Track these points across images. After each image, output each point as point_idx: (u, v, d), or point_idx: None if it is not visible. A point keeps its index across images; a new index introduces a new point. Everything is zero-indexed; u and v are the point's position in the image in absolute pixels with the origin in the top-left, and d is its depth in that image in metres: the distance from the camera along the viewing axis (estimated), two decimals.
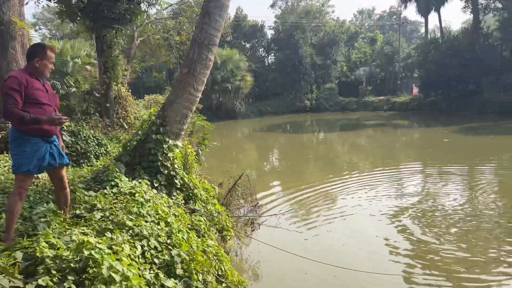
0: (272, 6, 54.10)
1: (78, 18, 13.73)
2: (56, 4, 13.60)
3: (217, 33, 6.90)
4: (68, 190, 4.44)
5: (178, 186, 6.45)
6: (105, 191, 5.20)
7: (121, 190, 5.31)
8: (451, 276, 6.10)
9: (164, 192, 6.19)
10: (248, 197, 9.53)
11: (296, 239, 7.92)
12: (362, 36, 57.35)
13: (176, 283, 3.78)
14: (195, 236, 5.00)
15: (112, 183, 5.47)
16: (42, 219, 3.99)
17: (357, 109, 44.68)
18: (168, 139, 6.53)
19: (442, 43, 39.16)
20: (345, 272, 6.20)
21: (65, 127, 9.07)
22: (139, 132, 6.77)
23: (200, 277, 4.12)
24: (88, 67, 17.77)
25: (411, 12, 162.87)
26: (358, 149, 22.06)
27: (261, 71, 46.93)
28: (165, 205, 5.50)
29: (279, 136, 28.57)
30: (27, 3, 13.22)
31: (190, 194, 6.61)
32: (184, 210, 6.02)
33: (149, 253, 4.00)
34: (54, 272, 3.06)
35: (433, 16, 47.23)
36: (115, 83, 14.55)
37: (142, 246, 4.01)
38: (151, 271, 3.74)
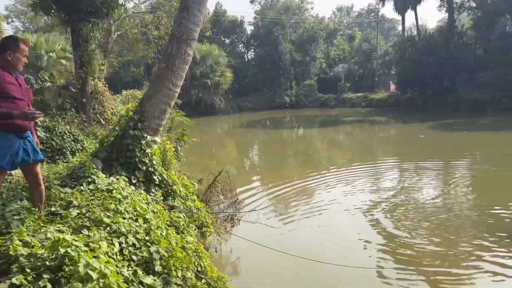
0: (252, 1, 54.05)
1: (53, 11, 13.37)
2: None
3: (196, 28, 6.84)
4: (43, 187, 4.34)
5: (157, 183, 6.38)
6: (82, 187, 5.11)
7: (98, 186, 5.22)
8: (423, 270, 6.25)
9: (142, 188, 6.11)
10: (228, 193, 9.52)
11: (275, 234, 7.98)
12: (340, 33, 57.92)
13: (155, 280, 3.75)
14: (174, 232, 4.97)
15: (89, 179, 5.37)
16: (15, 217, 3.89)
17: (335, 105, 45.16)
18: (146, 134, 6.45)
19: (419, 41, 39.94)
20: (322, 266, 6.29)
21: (39, 123, 8.85)
22: (117, 128, 6.66)
23: (179, 274, 4.09)
24: (64, 61, 17.32)
25: (388, 10, 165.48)
26: (337, 145, 22.33)
27: (240, 67, 46.83)
28: (144, 201, 5.44)
29: (259, 132, 28.62)
30: None
31: (169, 191, 6.55)
32: (163, 206, 5.96)
33: (127, 250, 3.95)
34: (28, 270, 2.99)
35: (410, 14, 48.19)
36: (91, 78, 14.25)
37: (120, 243, 3.96)
38: (129, 268, 3.70)
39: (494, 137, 20.98)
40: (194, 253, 4.74)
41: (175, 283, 3.95)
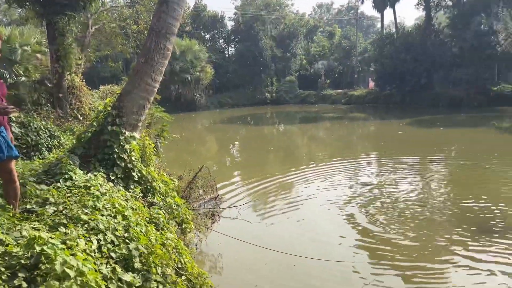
0: None
1: (27, 3, 13.00)
2: None
3: (176, 22, 6.77)
4: (17, 184, 4.23)
5: (136, 179, 6.31)
6: (58, 184, 5.00)
7: (76, 183, 5.12)
8: (398, 265, 6.36)
9: (121, 185, 6.03)
10: (208, 189, 9.47)
11: (255, 229, 8.01)
12: (321, 30, 58.28)
13: (134, 277, 3.71)
14: (153, 229, 4.92)
15: (66, 176, 5.26)
16: None
17: (316, 102, 45.49)
18: (124, 130, 6.36)
19: (397, 39, 40.59)
20: (301, 260, 6.35)
21: (14, 118, 8.61)
22: (94, 124, 6.54)
23: (159, 270, 4.07)
24: (39, 55, 16.88)
25: (368, 7, 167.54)
26: (317, 141, 22.53)
27: (221, 62, 46.58)
28: (122, 198, 5.37)
29: (239, 128, 28.60)
30: None
31: (148, 187, 6.48)
32: (142, 203, 5.90)
33: (105, 247, 3.89)
34: (3, 269, 2.92)
35: (388, 12, 48.88)
36: (68, 73, 13.95)
37: (98, 241, 3.90)
38: (108, 266, 3.65)
39: (469, 133, 21.56)
40: (174, 250, 4.71)
41: (155, 280, 3.92)
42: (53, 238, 3.35)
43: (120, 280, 3.57)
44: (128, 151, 6.27)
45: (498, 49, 33.28)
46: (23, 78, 15.08)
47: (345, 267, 6.28)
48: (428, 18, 39.61)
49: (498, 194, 9.86)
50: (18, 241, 3.30)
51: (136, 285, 3.68)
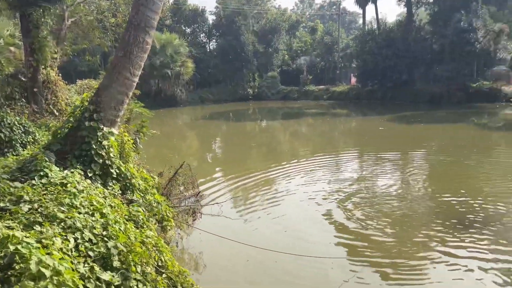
0: None
1: None
2: None
3: (155, 16, 6.69)
4: None
5: (114, 176, 6.23)
6: (33, 182, 4.91)
7: (51, 180, 5.03)
8: (377, 262, 6.46)
9: (99, 182, 5.95)
10: (189, 186, 9.44)
11: (237, 226, 8.03)
12: (303, 25, 58.48)
13: (113, 276, 3.68)
14: (133, 227, 4.88)
15: (41, 173, 5.16)
16: None
17: (298, 98, 45.67)
18: (102, 126, 6.26)
19: (379, 35, 41.06)
20: (283, 256, 6.40)
21: None
22: (71, 119, 6.42)
23: (139, 269, 4.04)
24: (12, 48, 16.44)
25: (350, 3, 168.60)
26: (299, 137, 22.66)
27: (202, 57, 46.24)
28: (100, 195, 5.30)
29: (221, 124, 28.51)
30: None
31: (127, 184, 6.42)
32: (121, 200, 5.84)
33: (83, 245, 3.84)
34: None
35: (370, 8, 49.31)
36: (43, 66, 13.61)
37: (76, 239, 3.85)
38: (86, 265, 3.61)
39: (449, 129, 22.05)
40: (154, 248, 4.68)
41: (135, 279, 3.89)
42: (28, 237, 3.29)
43: (98, 279, 3.53)
44: (106, 147, 6.19)
45: (477, 46, 34.04)
46: None
47: (325, 263, 6.34)
48: (409, 14, 40.22)
49: (477, 189, 10.13)
50: None
51: (115, 284, 3.64)
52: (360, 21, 63.51)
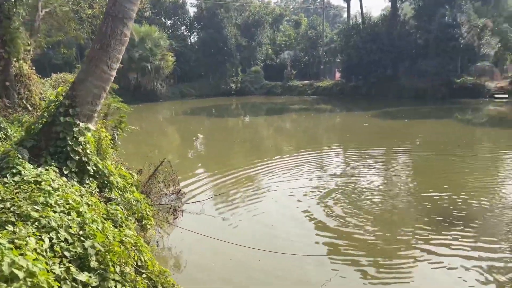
0: None
1: None
2: None
3: (133, 7, 6.59)
4: None
5: (91, 173, 6.15)
6: (5, 179, 4.80)
7: (25, 178, 4.93)
8: (359, 260, 6.49)
9: (75, 180, 5.86)
10: (170, 184, 9.40)
11: (220, 224, 8.03)
12: (286, 19, 58.53)
13: (90, 277, 3.64)
14: (111, 226, 4.83)
15: (14, 170, 5.05)
16: None
17: (282, 93, 45.79)
18: (78, 121, 6.16)
19: (363, 29, 41.44)
20: (267, 254, 6.43)
21: None
22: (45, 114, 6.30)
23: (117, 269, 4.00)
24: None
25: None
26: (283, 133, 22.75)
27: (183, 50, 45.87)
28: (77, 194, 5.22)
29: (203, 120, 28.39)
30: None
31: (105, 182, 6.34)
32: (98, 199, 5.77)
33: (58, 246, 3.79)
34: None
35: (355, 2, 49.73)
36: (15, 59, 13.28)
37: (51, 239, 3.79)
38: (61, 265, 3.56)
39: (433, 125, 22.47)
40: (133, 247, 4.65)
41: (113, 279, 3.86)
42: None
43: (74, 280, 3.49)
44: (83, 143, 6.10)
45: (461, 42, 34.71)
46: None
47: (308, 262, 6.38)
48: (394, 8, 40.73)
49: (460, 185, 10.36)
50: None
51: (92, 285, 3.61)
52: (345, 15, 63.94)
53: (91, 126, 6.48)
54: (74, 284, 3.46)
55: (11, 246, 3.20)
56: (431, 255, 6.58)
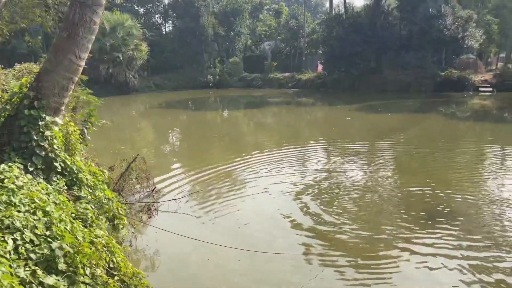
0: None
1: None
2: None
3: None
4: None
5: (59, 170, 6.03)
6: None
7: None
8: (343, 259, 6.55)
9: (42, 177, 5.74)
10: (144, 181, 9.32)
11: (197, 223, 8.01)
12: (267, 8, 58.55)
13: (58, 280, 3.58)
14: (80, 226, 4.76)
15: None
16: None
17: (262, 85, 45.86)
18: (44, 115, 6.02)
19: (346, 19, 41.83)
20: (246, 253, 6.46)
21: None
22: (8, 107, 6.13)
23: (88, 271, 3.95)
24: None
25: None
26: (263, 127, 22.80)
27: (157, 40, 45.41)
28: (43, 192, 5.12)
29: (179, 114, 28.20)
30: None
31: (74, 179, 6.23)
32: (66, 197, 5.66)
33: (23, 247, 3.71)
34: None
35: None
36: None
37: (15, 240, 3.71)
38: (27, 268, 3.49)
39: (417, 119, 22.92)
40: (104, 248, 4.59)
41: (83, 282, 3.81)
42: None
43: (41, 284, 3.44)
44: (49, 138, 5.97)
45: (445, 33, 35.42)
46: None
47: (288, 262, 6.43)
48: None
49: (444, 180, 10.59)
50: None
51: None
52: (327, 4, 64.49)
53: (58, 120, 6.35)
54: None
55: None
56: (414, 254, 6.63)
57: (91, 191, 6.35)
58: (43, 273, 3.55)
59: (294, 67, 49.97)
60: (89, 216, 5.34)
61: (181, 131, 21.91)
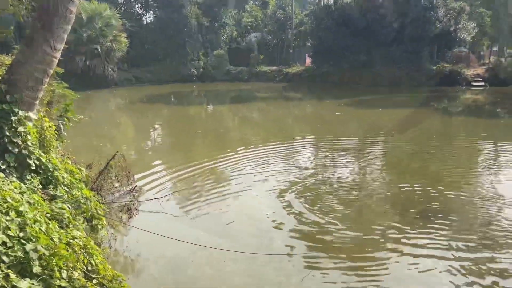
0: None
1: None
2: None
3: None
4: None
5: (33, 168, 5.96)
6: None
7: None
8: (333, 259, 6.63)
9: (15, 175, 5.68)
10: (124, 180, 9.28)
11: (180, 223, 8.02)
12: None
13: (32, 284, 3.55)
14: (56, 227, 4.72)
15: None
16: None
17: (248, 79, 45.81)
18: (17, 109, 5.95)
19: (335, 10, 41.97)
20: (231, 254, 6.47)
21: None
22: None
23: (64, 274, 3.93)
24: None
25: None
26: (250, 123, 22.84)
27: (138, 31, 44.98)
28: (16, 191, 5.05)
29: (161, 108, 28.05)
30: None
31: (49, 178, 6.17)
32: (41, 196, 5.60)
33: None
34: None
35: None
36: None
37: None
38: None
39: (409, 114, 23.17)
40: (82, 250, 4.57)
41: (59, 286, 3.79)
42: None
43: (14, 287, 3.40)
44: (23, 134, 5.91)
45: (438, 26, 35.82)
46: None
47: (273, 262, 6.45)
48: None
49: (436, 176, 10.76)
50: None
51: None
52: None
53: (33, 115, 6.29)
54: None
55: None
56: (404, 256, 6.66)
57: (67, 190, 6.30)
58: (16, 276, 3.52)
59: (281, 60, 50.01)
60: (65, 217, 5.29)
61: (163, 127, 21.80)
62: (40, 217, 4.54)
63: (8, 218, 4.16)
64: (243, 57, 48.97)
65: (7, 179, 5.34)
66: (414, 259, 6.51)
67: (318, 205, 8.74)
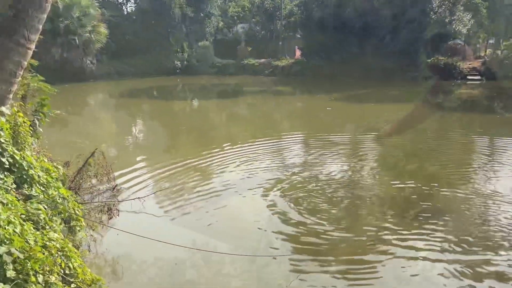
0: None
1: None
2: None
3: None
4: None
5: (7, 166, 5.90)
6: None
7: None
8: (323, 260, 6.68)
9: None
10: (104, 178, 9.22)
11: (163, 224, 8.01)
12: None
13: None
14: (31, 228, 4.69)
15: None
16: None
17: (235, 72, 45.78)
18: None
19: (326, 1, 42.03)
20: (216, 256, 6.50)
21: None
22: None
23: (40, 279, 3.91)
24: None
25: None
26: (237, 119, 22.86)
27: (118, 21, 44.68)
28: None
29: (143, 103, 27.95)
30: None
31: (24, 176, 6.11)
32: (15, 196, 5.55)
33: None
34: None
35: None
36: None
37: None
38: None
39: (402, 109, 23.38)
40: (59, 253, 4.55)
41: None
42: None
43: None
44: None
45: (432, 17, 36.13)
46: None
47: (261, 264, 6.48)
48: None
49: (431, 174, 10.88)
50: None
51: None
52: None
53: (5, 110, 6.23)
54: None
55: None
56: (397, 258, 6.67)
57: (43, 189, 6.25)
58: None
59: (270, 53, 50.04)
60: (41, 218, 5.25)
61: (145, 123, 21.72)
62: (14, 218, 4.50)
63: None
64: (230, 49, 48.96)
65: None
66: (407, 262, 6.52)
67: (309, 205, 8.75)
